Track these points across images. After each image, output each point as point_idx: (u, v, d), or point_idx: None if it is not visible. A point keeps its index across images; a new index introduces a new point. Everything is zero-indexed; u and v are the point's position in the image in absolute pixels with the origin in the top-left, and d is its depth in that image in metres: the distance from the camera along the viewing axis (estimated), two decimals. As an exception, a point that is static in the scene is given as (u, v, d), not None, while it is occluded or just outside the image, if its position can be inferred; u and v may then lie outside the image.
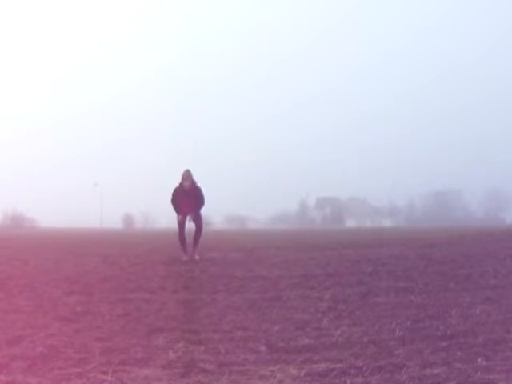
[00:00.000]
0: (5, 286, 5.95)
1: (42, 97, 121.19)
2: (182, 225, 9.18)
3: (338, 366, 2.97)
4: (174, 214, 9.31)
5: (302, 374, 2.85)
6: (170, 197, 9.20)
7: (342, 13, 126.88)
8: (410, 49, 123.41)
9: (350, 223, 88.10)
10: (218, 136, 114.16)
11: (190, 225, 9.47)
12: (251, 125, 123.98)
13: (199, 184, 9.13)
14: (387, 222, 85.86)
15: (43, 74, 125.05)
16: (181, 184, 8.98)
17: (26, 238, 22.90)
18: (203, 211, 9.51)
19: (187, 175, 8.91)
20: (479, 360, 2.98)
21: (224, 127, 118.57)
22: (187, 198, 8.94)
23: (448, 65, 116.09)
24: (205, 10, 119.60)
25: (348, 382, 2.74)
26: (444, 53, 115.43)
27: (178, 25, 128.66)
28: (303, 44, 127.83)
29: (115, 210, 75.17)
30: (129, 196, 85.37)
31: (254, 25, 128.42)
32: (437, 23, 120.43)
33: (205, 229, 10.15)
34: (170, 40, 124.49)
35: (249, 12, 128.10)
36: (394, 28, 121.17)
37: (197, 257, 9.01)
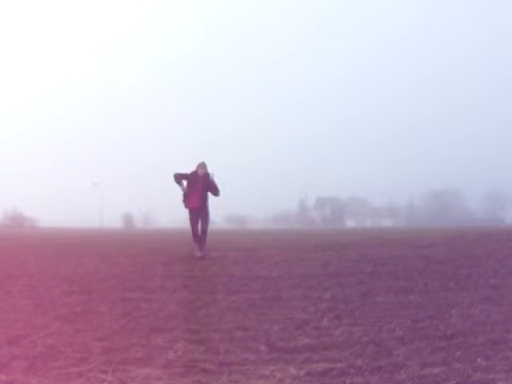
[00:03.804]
0: (4, 286, 5.95)
1: (42, 96, 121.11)
2: (194, 221, 9.37)
3: (338, 365, 2.98)
4: (175, 213, 9.49)
5: (302, 374, 2.85)
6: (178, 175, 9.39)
7: (340, 11, 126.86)
8: (409, 46, 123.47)
9: (350, 223, 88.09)
10: (217, 135, 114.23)
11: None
12: (251, 124, 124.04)
13: (212, 177, 9.41)
14: (387, 222, 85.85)
15: (43, 73, 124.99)
16: (195, 171, 9.37)
17: (26, 237, 22.88)
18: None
19: (202, 165, 9.40)
20: (479, 360, 2.99)
21: (224, 127, 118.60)
22: (198, 186, 9.24)
23: (447, 63, 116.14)
24: (205, 6, 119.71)
25: (348, 381, 2.74)
26: (443, 50, 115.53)
27: (177, 23, 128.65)
28: (303, 42, 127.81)
29: (115, 210, 75.19)
30: (129, 196, 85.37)
31: (254, 22, 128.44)
32: (435, 19, 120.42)
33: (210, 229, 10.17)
34: (170, 39, 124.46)
35: (248, 8, 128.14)
36: (394, 21, 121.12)
37: (199, 254, 9.10)
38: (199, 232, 9.39)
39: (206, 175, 9.33)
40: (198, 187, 9.25)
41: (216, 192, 9.39)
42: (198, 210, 9.32)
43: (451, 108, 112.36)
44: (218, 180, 9.43)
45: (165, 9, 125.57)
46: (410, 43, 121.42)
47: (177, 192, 9.53)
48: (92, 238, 21.65)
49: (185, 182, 9.35)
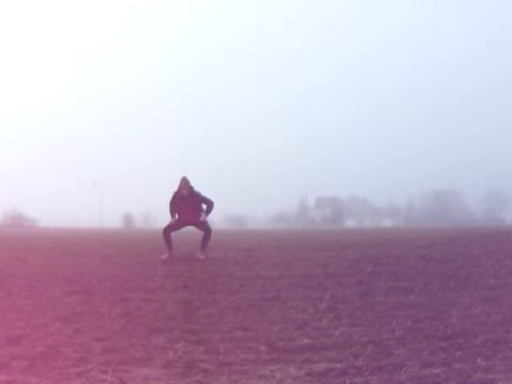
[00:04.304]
0: (4, 286, 5.95)
1: (42, 96, 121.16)
2: (172, 226, 9.13)
3: (338, 365, 2.97)
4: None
5: (302, 374, 2.85)
6: (169, 199, 9.13)
7: (341, 12, 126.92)
8: (409, 46, 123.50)
9: (350, 223, 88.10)
10: (217, 135, 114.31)
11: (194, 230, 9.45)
12: (251, 124, 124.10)
13: (196, 189, 9.02)
14: (387, 222, 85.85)
15: (43, 73, 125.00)
16: (178, 191, 8.99)
17: (26, 237, 22.88)
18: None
19: (184, 183, 8.91)
20: (479, 360, 2.99)
21: (224, 126, 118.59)
22: (186, 204, 8.90)
23: (447, 63, 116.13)
24: (204, 6, 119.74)
25: (347, 381, 2.74)
26: (443, 50, 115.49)
27: (177, 24, 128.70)
28: (303, 42, 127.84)
29: (115, 210, 75.23)
30: (129, 196, 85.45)
31: (254, 22, 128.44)
32: (435, 20, 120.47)
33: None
34: (170, 39, 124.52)
35: (247, 8, 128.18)
36: (394, 21, 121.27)
37: (202, 256, 8.98)
38: (172, 234, 9.07)
39: (191, 193, 8.88)
40: (186, 207, 8.85)
41: (210, 205, 8.94)
42: (191, 222, 9.05)
43: (451, 108, 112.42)
44: (203, 193, 9.03)
45: (164, 9, 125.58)
46: (409, 43, 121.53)
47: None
48: (92, 237, 21.65)
49: (177, 215, 8.98)
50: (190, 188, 8.92)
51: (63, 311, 4.54)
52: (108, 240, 18.64)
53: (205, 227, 9.10)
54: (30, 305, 4.84)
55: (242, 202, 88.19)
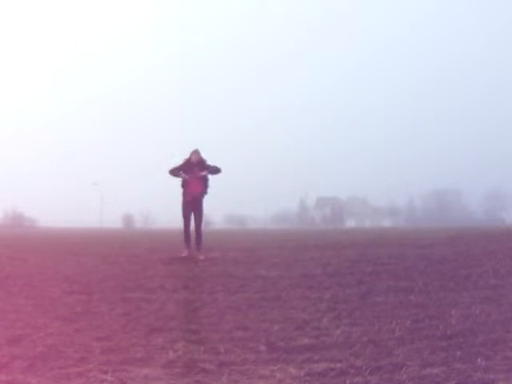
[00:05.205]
0: (4, 286, 5.95)
1: (42, 96, 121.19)
2: (187, 215, 9.24)
3: (338, 365, 2.97)
4: (175, 212, 9.37)
5: (302, 374, 2.85)
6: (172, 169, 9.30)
7: (340, 11, 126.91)
8: (409, 46, 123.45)
9: (350, 223, 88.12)
10: (217, 135, 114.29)
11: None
12: (251, 124, 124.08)
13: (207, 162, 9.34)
14: (387, 222, 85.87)
15: (42, 73, 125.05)
16: (188, 158, 9.27)
17: (26, 237, 22.89)
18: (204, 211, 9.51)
19: (196, 151, 9.28)
20: (479, 360, 2.98)
21: (224, 126, 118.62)
22: (195, 169, 9.14)
23: (447, 62, 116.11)
24: (203, 6, 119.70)
25: (347, 381, 2.74)
26: (443, 50, 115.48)
27: (177, 24, 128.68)
28: (303, 42, 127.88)
29: (115, 210, 75.22)
30: (129, 196, 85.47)
31: (254, 22, 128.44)
32: (434, 19, 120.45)
33: (204, 228, 10.12)
34: (170, 39, 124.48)
35: (246, 8, 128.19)
36: (394, 21, 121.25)
37: (201, 256, 9.01)
38: (191, 231, 9.26)
39: (201, 161, 9.21)
40: (194, 173, 9.12)
41: (217, 170, 9.25)
42: (194, 199, 9.18)
43: (451, 108, 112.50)
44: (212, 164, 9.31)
45: (164, 8, 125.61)
46: (410, 43, 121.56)
47: (177, 191, 9.45)
48: (92, 237, 21.65)
49: (183, 174, 9.21)
50: (201, 157, 9.22)
51: (63, 311, 4.54)
52: (108, 240, 18.64)
53: (200, 209, 9.22)
54: (30, 305, 4.84)
55: (241, 202, 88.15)
